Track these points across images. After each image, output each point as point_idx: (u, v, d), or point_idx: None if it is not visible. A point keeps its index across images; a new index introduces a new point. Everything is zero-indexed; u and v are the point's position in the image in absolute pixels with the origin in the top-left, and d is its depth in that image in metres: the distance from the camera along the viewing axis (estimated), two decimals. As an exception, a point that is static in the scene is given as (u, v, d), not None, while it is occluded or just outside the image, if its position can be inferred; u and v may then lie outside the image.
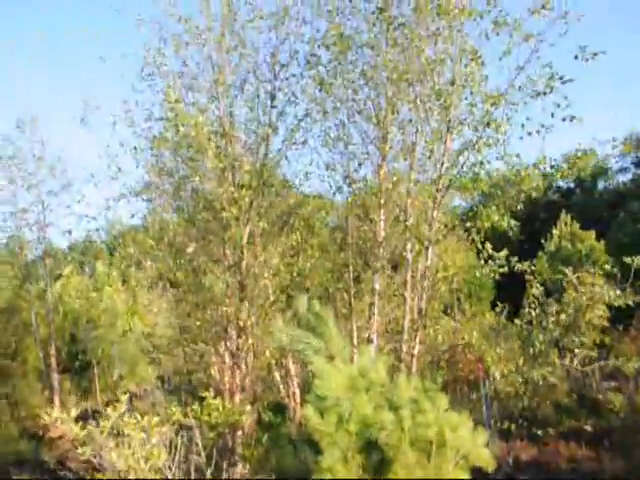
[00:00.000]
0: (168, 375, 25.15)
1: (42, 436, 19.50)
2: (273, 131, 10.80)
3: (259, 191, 10.36)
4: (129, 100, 11.15)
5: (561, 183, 33.11)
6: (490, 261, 9.55)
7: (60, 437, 19.96)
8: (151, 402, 24.51)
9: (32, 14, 68.06)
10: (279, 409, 15.40)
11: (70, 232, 22.52)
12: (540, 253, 26.31)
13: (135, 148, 11.07)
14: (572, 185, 33.55)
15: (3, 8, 65.50)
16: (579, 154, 29.96)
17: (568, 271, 16.18)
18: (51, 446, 18.79)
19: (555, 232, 27.23)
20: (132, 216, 13.39)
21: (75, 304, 25.56)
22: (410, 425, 3.96)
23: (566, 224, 27.30)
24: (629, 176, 35.89)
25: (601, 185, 36.31)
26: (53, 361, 22.52)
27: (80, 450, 8.44)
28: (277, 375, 12.09)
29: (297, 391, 15.00)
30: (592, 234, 26.52)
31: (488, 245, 9.40)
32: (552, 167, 12.80)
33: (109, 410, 8.89)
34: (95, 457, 8.38)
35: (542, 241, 27.59)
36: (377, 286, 10.81)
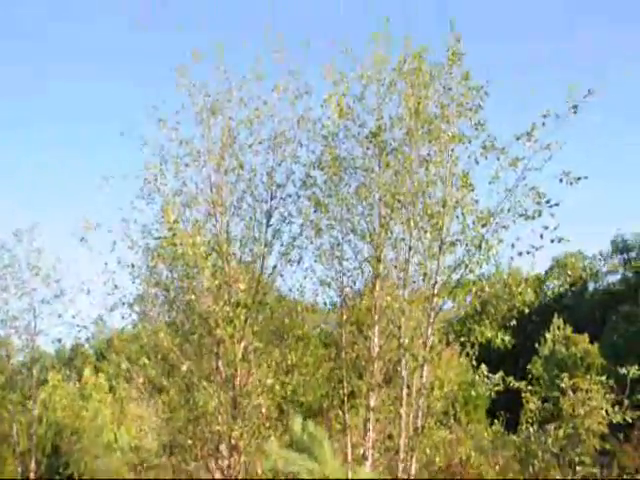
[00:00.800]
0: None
1: None
2: (268, 249, 11.05)
3: (254, 309, 10.43)
4: (128, 218, 11.45)
5: (551, 286, 33.56)
6: (486, 380, 9.51)
7: None
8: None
9: (37, 128, 71.10)
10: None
11: (60, 340, 22.18)
12: (535, 357, 26.14)
13: (132, 265, 11.24)
14: (563, 289, 33.95)
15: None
16: (568, 258, 30.56)
17: (564, 380, 16.04)
18: None
19: (548, 336, 27.23)
20: (123, 328, 13.35)
21: (60, 414, 24.66)
22: None
23: (559, 328, 27.36)
24: (618, 277, 36.45)
25: (591, 287, 36.77)
26: (32, 476, 21.40)
27: None
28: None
29: (290, 510, 14.30)
30: (585, 337, 26.54)
31: (483, 367, 9.41)
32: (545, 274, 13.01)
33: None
34: None
35: (535, 345, 27.51)
36: (372, 402, 10.66)
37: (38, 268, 20.94)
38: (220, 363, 11.11)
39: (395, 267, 10.40)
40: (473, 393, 10.50)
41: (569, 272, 10.21)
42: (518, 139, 9.65)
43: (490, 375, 9.43)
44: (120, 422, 25.08)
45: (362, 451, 10.98)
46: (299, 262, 11.09)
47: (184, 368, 10.25)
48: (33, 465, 21.26)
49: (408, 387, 10.32)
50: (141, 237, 11.67)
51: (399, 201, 9.97)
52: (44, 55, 74.12)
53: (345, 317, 10.96)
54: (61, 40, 74.05)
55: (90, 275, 11.72)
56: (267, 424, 10.90)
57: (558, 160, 9.44)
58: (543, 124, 9.35)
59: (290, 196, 11.28)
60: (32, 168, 65.34)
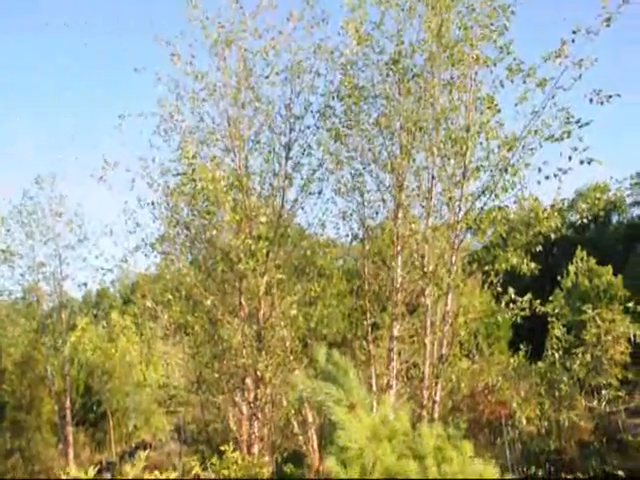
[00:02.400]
0: (184, 425, 24.85)
1: (54, 489, 19.23)
2: (288, 182, 10.91)
3: (276, 242, 10.40)
4: (146, 156, 11.36)
5: (574, 218, 33.07)
6: (512, 304, 9.45)
7: (72, 491, 19.62)
8: (167, 452, 24.20)
9: (53, 71, 70.66)
10: (297, 459, 15.06)
11: (86, 284, 22.70)
12: (557, 290, 26.04)
13: (152, 203, 11.21)
14: (586, 220, 33.37)
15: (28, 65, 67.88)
16: (593, 189, 29.99)
17: (588, 309, 16.01)
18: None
19: (571, 268, 27.02)
20: (147, 268, 13.47)
21: (90, 356, 25.46)
22: (435, 474, 3.88)
23: (582, 260, 27.10)
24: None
25: (615, 219, 36.20)
26: (68, 413, 22.30)
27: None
28: (295, 424, 11.92)
29: (315, 440, 14.74)
30: (609, 269, 26.27)
31: (511, 290, 9.32)
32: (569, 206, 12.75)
33: (127, 467, 8.77)
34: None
35: (558, 278, 27.35)
36: (396, 332, 10.72)
37: (61, 214, 21.20)
38: (243, 298, 11.20)
39: (418, 196, 10.23)
40: (499, 319, 10.42)
41: (592, 202, 9.88)
42: (546, 60, 9.21)
43: (517, 298, 9.35)
44: (148, 361, 25.83)
45: (386, 380, 11.13)
46: (320, 194, 10.96)
47: (208, 303, 10.34)
48: (68, 404, 22.12)
49: (432, 315, 10.36)
50: (160, 175, 11.63)
51: (421, 128, 9.69)
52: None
53: (367, 249, 10.90)
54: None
55: (112, 218, 11.78)
56: (291, 356, 11.08)
57: (588, 80, 9.02)
58: (573, 41, 8.90)
59: (309, 128, 11.05)
60: (49, 111, 65.19)
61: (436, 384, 10.27)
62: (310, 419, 13.46)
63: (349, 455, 4.00)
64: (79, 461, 22.61)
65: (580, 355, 12.44)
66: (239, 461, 9.60)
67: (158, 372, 24.91)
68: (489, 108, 9.18)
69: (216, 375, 11.54)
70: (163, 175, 11.64)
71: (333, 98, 10.99)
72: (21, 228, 21.19)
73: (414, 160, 10.19)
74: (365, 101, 10.78)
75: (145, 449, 24.95)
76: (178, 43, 11.18)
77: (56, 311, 22.88)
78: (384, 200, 10.64)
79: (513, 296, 9.32)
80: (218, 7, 11.17)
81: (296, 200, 11.03)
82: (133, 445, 26.20)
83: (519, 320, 9.84)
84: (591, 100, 8.91)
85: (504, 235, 9.52)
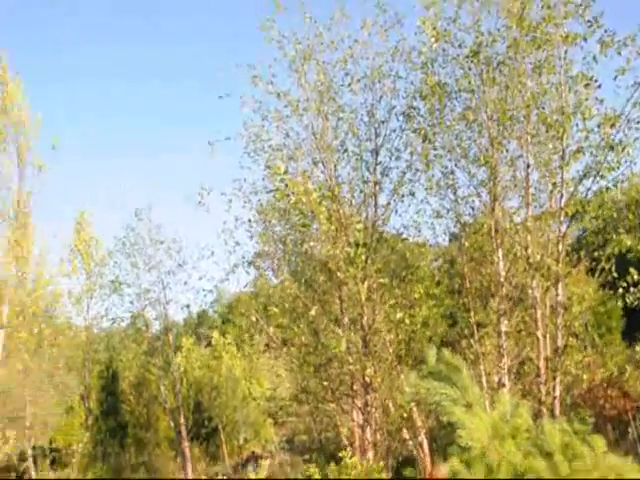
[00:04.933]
0: (291, 436, 25.31)
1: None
2: (379, 187, 10.95)
3: (373, 248, 10.44)
4: (237, 177, 11.79)
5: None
6: (633, 289, 8.92)
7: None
8: (277, 463, 24.72)
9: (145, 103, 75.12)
10: (411, 464, 14.89)
11: (188, 306, 23.83)
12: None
13: (250, 221, 11.59)
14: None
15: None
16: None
17: None
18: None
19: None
20: (245, 285, 13.93)
21: (197, 374, 26.56)
22: (567, 471, 3.71)
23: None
24: None
25: None
26: (183, 429, 23.37)
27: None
28: (404, 429, 11.85)
29: (426, 443, 14.55)
30: None
31: (633, 270, 8.80)
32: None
33: (250, 475, 9.00)
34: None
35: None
36: (503, 327, 10.43)
37: (160, 242, 22.47)
38: (344, 305, 11.31)
39: (515, 186, 9.96)
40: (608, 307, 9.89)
41: None
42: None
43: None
44: (251, 376, 26.58)
45: (497, 378, 10.85)
46: (413, 195, 10.92)
47: (312, 313, 10.52)
48: (182, 420, 23.20)
49: (542, 308, 10.01)
50: (253, 195, 12.01)
51: (511, 117, 9.44)
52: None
53: (465, 245, 10.72)
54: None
55: (208, 241, 12.26)
56: (397, 360, 11.04)
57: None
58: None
59: (394, 131, 11.06)
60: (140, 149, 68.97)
61: (554, 378, 9.89)
62: (419, 423, 13.33)
63: (472, 455, 3.93)
64: (196, 474, 23.58)
65: None
66: (358, 466, 9.68)
67: (263, 386, 25.58)
68: (587, 86, 8.78)
69: (325, 383, 11.69)
70: (255, 194, 12.04)
71: (415, 98, 10.96)
72: (126, 259, 22.64)
73: (507, 150, 9.94)
74: (449, 97, 10.67)
75: (256, 460, 25.62)
76: (258, 65, 11.56)
77: (163, 334, 24.10)
78: (479, 194, 10.43)
79: (636, 277, 8.76)
80: (292, 25, 11.46)
81: (388, 204, 11.05)
82: (244, 457, 26.97)
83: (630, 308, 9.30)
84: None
85: (614, 217, 9.05)
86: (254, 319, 12.19)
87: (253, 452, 27.16)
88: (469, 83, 10.33)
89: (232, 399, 25.21)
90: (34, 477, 20.40)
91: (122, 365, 25.10)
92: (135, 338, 24.93)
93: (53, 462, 19.78)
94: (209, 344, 31.48)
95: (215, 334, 28.95)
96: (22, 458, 19.34)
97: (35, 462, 19.63)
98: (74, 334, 24.60)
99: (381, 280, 10.20)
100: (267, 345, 22.45)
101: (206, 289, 18.28)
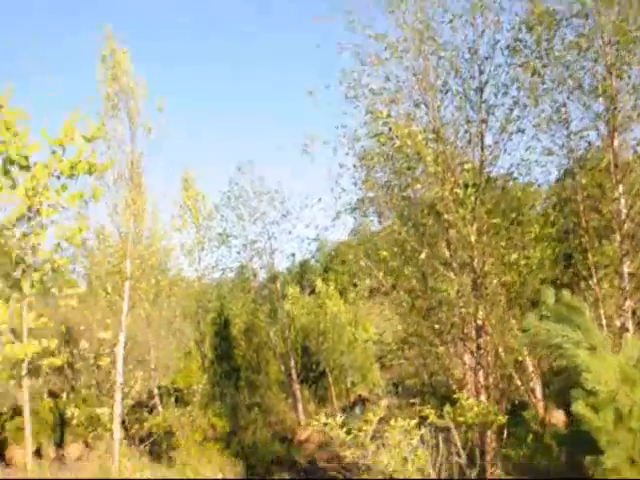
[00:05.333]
0: (399, 380, 25.83)
1: (291, 439, 21.30)
2: (486, 126, 10.59)
3: (482, 188, 10.21)
4: (339, 125, 11.79)
5: None
6: None
7: (306, 440, 21.61)
8: (386, 406, 25.40)
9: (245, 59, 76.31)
10: (523, 407, 14.73)
11: (294, 255, 24.75)
12: None
13: (354, 166, 11.66)
14: None
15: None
16: None
17: None
18: (300, 448, 20.42)
19: None
20: (351, 232, 14.10)
21: (304, 320, 27.57)
22: None
23: None
24: None
25: None
26: (293, 372, 24.56)
27: (347, 453, 9.03)
28: (515, 374, 11.74)
29: (539, 388, 14.34)
30: None
31: None
32: None
33: (369, 415, 9.41)
34: (360, 459, 8.90)
35: None
36: (626, 268, 9.96)
37: (264, 193, 23.29)
38: (453, 248, 11.21)
39: (638, 115, 9.28)
40: None
41: None
42: None
43: None
44: (357, 321, 27.22)
45: (619, 322, 10.43)
46: (522, 132, 10.47)
47: (422, 256, 10.54)
48: (292, 364, 24.36)
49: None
50: (355, 141, 12.01)
51: (634, 39, 8.72)
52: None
53: (582, 182, 10.22)
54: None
55: (312, 190, 12.48)
56: (511, 303, 10.88)
57: None
58: None
59: (500, 66, 10.55)
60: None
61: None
62: (531, 368, 13.15)
63: (599, 399, 3.83)
64: (307, 414, 24.81)
65: None
66: (474, 408, 9.74)
67: (368, 331, 26.16)
68: None
69: (436, 326, 11.77)
70: (358, 140, 12.03)
71: (521, 30, 10.36)
72: (232, 212, 23.67)
73: (628, 77, 9.23)
74: (558, 25, 10.01)
75: (363, 404, 26.40)
76: (355, 10, 11.34)
77: (269, 282, 25.17)
78: (595, 127, 9.84)
79: None
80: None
81: (496, 143, 10.67)
82: (352, 400, 27.92)
83: None
84: None
85: None
86: (362, 264, 12.37)
87: (360, 395, 28.05)
88: (582, 6, 9.63)
89: (338, 344, 26.01)
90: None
91: (232, 313, 26.50)
92: (243, 287, 26.23)
93: (176, 400, 21.44)
94: (312, 292, 32.42)
95: (318, 282, 29.73)
96: (150, 396, 21.06)
97: (161, 400, 21.35)
98: (187, 285, 26.19)
99: (493, 220, 9.97)
100: (372, 291, 22.89)
101: (310, 238, 18.86)
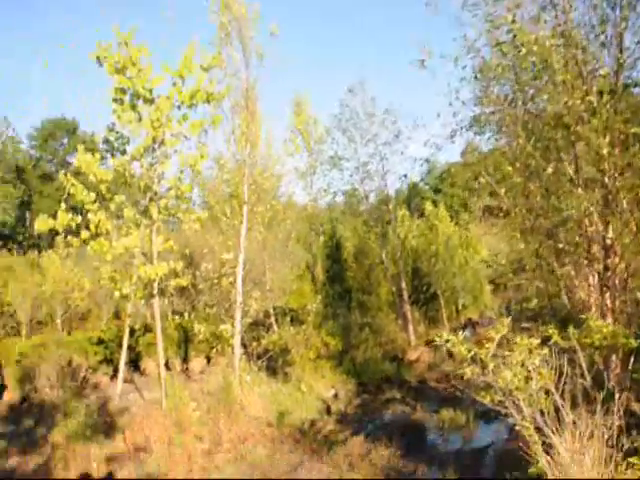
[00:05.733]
0: (511, 303, 25.39)
1: (401, 359, 21.82)
2: (625, 25, 9.53)
3: (619, 95, 9.32)
4: (456, 36, 11.13)
5: None
6: None
7: (416, 360, 22.06)
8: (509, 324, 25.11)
9: None
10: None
11: (406, 176, 24.41)
12: None
13: (475, 77, 11.07)
14: None
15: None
16: None
17: None
18: (410, 367, 20.89)
19: None
20: (462, 152, 13.51)
21: (414, 243, 27.53)
22: None
23: None
24: None
25: None
26: (404, 294, 24.83)
27: (467, 370, 9.04)
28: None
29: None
30: None
31: None
32: None
33: (491, 332, 9.30)
34: (480, 377, 8.89)
35: None
36: None
37: (375, 114, 22.92)
38: (580, 162, 10.47)
39: None
40: None
41: None
42: None
43: None
44: (468, 243, 26.78)
45: None
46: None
47: (549, 171, 9.96)
48: (403, 285, 24.58)
49: None
50: (474, 52, 11.31)
51: None
52: None
53: None
54: None
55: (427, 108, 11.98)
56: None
57: None
58: None
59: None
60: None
61: None
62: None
63: None
64: (417, 334, 25.20)
65: None
66: (603, 329, 9.32)
67: (480, 253, 25.67)
68: None
69: (559, 246, 11.24)
70: (477, 52, 11.30)
71: None
72: (343, 135, 23.57)
73: None
74: None
75: (473, 326, 26.26)
76: None
77: (381, 204, 25.16)
78: None
79: None
80: None
81: (638, 43, 9.60)
82: (462, 322, 27.93)
83: None
84: None
85: None
86: (483, 180, 11.89)
87: (470, 319, 27.98)
88: None
89: (450, 266, 25.84)
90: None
91: (343, 236, 26.95)
92: (354, 210, 26.45)
93: (291, 320, 22.47)
94: (421, 215, 32.08)
95: (428, 204, 29.34)
96: (266, 315, 22.23)
97: (277, 319, 22.48)
98: (299, 209, 26.81)
99: (632, 130, 9.13)
100: (484, 212, 22.18)
101: (422, 158, 18.45)
